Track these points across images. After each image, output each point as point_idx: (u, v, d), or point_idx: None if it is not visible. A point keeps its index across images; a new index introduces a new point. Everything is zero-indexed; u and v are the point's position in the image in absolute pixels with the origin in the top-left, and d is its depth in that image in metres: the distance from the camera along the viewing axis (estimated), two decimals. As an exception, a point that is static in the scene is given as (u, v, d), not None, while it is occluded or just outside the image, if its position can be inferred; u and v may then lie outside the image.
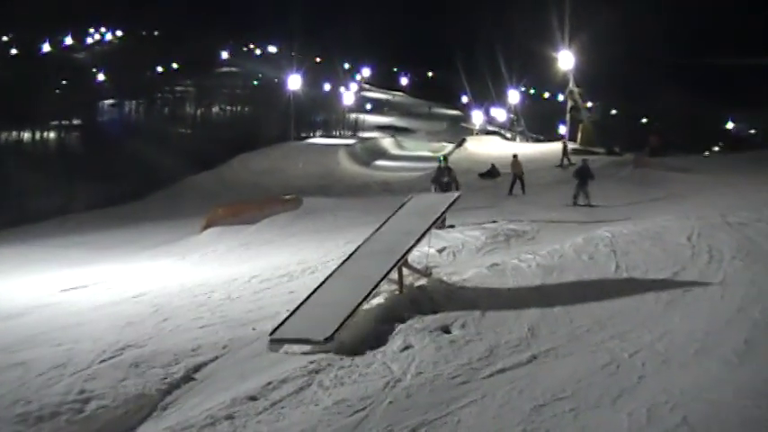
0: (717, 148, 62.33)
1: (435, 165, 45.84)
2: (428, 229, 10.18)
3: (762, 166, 31.64)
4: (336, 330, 8.08)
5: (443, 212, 11.16)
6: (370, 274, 9.28)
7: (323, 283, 9.56)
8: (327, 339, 7.94)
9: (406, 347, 7.68)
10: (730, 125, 78.50)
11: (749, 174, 28.65)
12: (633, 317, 8.44)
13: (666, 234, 11.88)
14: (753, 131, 74.76)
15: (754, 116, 72.33)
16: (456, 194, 12.25)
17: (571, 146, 50.72)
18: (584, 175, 22.36)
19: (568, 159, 39.76)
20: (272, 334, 8.42)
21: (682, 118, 69.55)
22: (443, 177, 18.44)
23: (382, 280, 9.23)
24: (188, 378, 7.55)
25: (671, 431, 5.40)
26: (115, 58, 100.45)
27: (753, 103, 67.27)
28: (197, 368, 7.77)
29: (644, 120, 78.18)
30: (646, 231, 12.18)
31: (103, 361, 8.01)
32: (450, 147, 61.85)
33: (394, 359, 7.39)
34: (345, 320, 8.29)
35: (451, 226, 15.99)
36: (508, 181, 29.10)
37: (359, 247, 10.47)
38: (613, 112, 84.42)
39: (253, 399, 6.62)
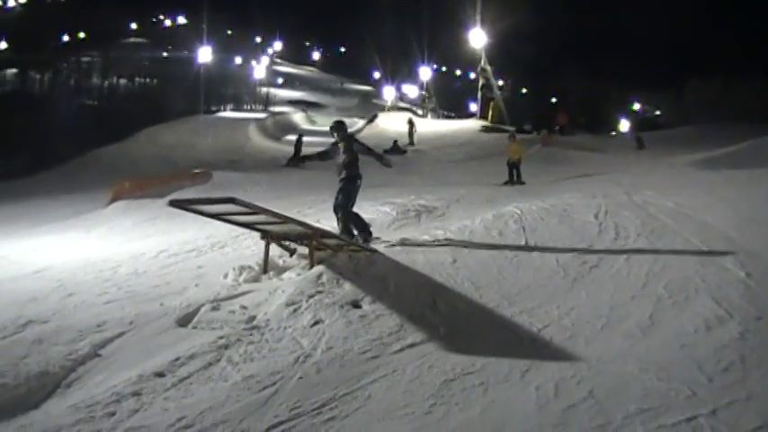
0: (625, 129, 63.79)
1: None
2: None
3: (666, 146, 32.56)
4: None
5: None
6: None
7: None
8: None
9: (316, 322, 7.62)
10: (636, 106, 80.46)
11: (653, 153, 29.42)
12: (541, 293, 8.56)
13: (573, 211, 12.07)
14: (658, 113, 76.76)
15: (657, 97, 74.34)
16: None
17: (481, 123, 51.41)
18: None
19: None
20: None
21: (588, 98, 71.06)
22: (338, 155, 11.93)
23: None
24: (93, 354, 7.32)
25: (578, 404, 5.50)
26: (18, 26, 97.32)
27: (654, 84, 69.22)
28: (102, 344, 7.55)
29: (553, 99, 79.52)
30: (553, 208, 12.35)
31: (4, 338, 7.74)
32: (361, 122, 61.82)
33: (304, 334, 7.34)
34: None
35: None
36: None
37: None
38: (524, 90, 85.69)
39: (160, 375, 6.49)
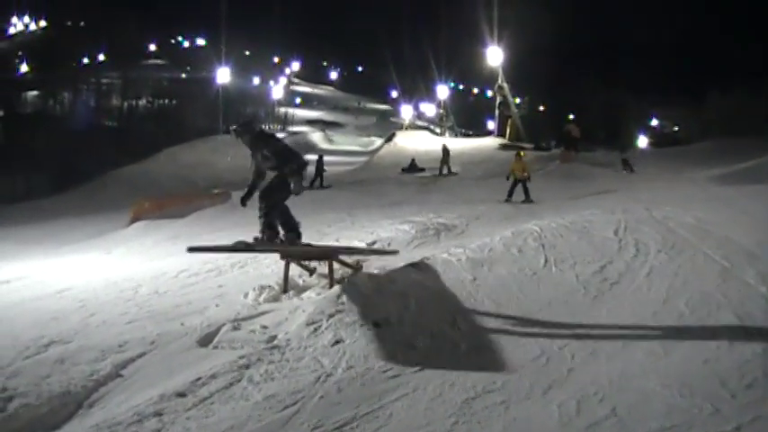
0: (644, 145, 63.59)
1: (363, 160, 45.70)
2: None
3: (684, 162, 32.41)
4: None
5: None
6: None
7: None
8: None
9: (337, 341, 7.61)
10: (655, 122, 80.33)
11: (672, 169, 29.30)
12: (562, 309, 8.53)
13: (593, 228, 12.02)
14: (676, 128, 76.55)
15: (676, 112, 74.14)
16: None
17: (499, 141, 51.42)
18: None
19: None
20: None
21: (606, 114, 70.95)
22: (262, 159, 10.25)
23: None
24: (115, 374, 7.34)
25: (600, 422, 5.47)
26: (39, 49, 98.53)
27: (673, 99, 69.08)
28: (124, 364, 7.57)
29: (571, 116, 79.48)
30: (573, 225, 12.30)
31: (27, 358, 7.77)
32: (379, 141, 62.02)
33: (325, 353, 7.33)
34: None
35: None
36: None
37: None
38: (541, 107, 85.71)
39: (181, 395, 6.49)
